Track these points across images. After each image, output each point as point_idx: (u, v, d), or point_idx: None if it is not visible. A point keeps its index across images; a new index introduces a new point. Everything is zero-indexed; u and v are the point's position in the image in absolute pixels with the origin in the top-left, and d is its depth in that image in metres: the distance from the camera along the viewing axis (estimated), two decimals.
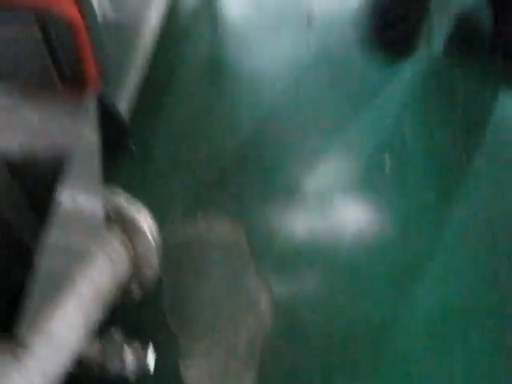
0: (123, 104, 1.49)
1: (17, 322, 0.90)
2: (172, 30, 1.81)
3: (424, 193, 1.59)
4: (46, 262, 0.92)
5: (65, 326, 1.01)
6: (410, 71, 1.84)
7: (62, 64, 0.86)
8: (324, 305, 1.35)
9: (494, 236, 1.51)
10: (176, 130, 1.65)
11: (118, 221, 1.24)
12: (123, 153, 1.53)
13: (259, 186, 1.51)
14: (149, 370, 1.29)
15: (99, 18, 0.88)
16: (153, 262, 1.31)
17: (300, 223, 1.47)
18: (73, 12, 0.74)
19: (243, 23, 1.92)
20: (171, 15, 1.81)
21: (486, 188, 1.62)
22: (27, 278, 0.89)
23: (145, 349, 1.29)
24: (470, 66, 1.87)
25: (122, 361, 1.25)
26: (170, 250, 1.37)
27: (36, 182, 1.07)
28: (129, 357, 1.26)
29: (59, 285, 0.99)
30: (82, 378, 1.21)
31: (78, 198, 1.02)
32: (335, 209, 1.52)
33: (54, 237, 0.95)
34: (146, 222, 1.29)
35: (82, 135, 0.97)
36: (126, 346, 1.28)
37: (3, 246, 1.07)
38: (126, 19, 1.41)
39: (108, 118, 1.35)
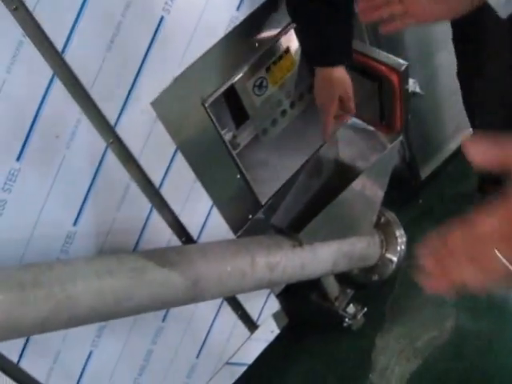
0: (426, 168, 2.26)
1: (303, 230, 1.70)
2: None
3: None
4: (337, 207, 1.71)
5: (323, 252, 1.80)
6: None
7: (383, 110, 1.67)
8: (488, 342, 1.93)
9: None
10: None
11: (383, 226, 2.00)
12: (410, 203, 2.31)
13: None
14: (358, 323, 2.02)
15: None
16: (392, 267, 2.03)
17: None
18: (396, 82, 1.56)
19: None
20: None
21: None
22: (320, 209, 1.69)
23: (360, 312, 2.03)
24: None
25: (344, 308, 2.01)
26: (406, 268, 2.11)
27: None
28: (350, 309, 2.01)
29: (334, 230, 1.79)
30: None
31: (369, 187, 1.80)
32: None
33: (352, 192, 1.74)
34: (401, 240, 2.02)
35: (384, 155, 1.75)
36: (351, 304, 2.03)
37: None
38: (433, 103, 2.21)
39: (406, 167, 2.13)
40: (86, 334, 1.56)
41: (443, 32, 2.05)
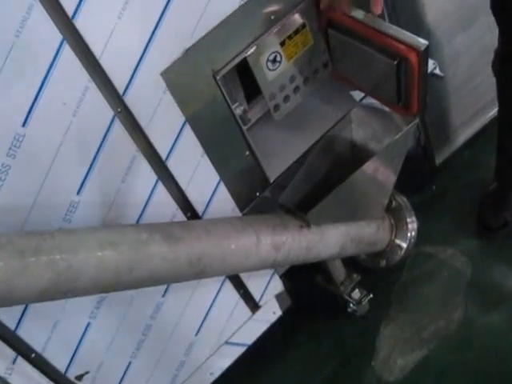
0: (441, 153, 2.28)
1: (311, 211, 1.73)
2: None
3: None
4: (348, 189, 1.74)
5: (330, 235, 1.83)
6: None
7: (400, 91, 1.69)
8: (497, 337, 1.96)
9: None
10: None
11: (394, 211, 2.03)
12: (423, 189, 2.35)
13: None
14: (362, 309, 2.05)
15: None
16: (401, 253, 2.06)
17: None
18: (415, 62, 1.57)
19: None
20: None
21: None
22: (330, 190, 1.72)
23: (365, 297, 2.06)
24: None
25: (349, 293, 2.04)
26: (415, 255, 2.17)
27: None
28: (355, 294, 2.05)
29: (343, 213, 1.82)
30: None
31: (382, 170, 1.82)
32: None
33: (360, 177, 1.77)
34: (412, 226, 2.05)
35: (399, 138, 1.78)
36: (357, 289, 2.07)
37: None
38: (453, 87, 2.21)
39: (420, 151, 2.15)
40: (85, 304, 1.60)
41: (466, 11, 2.07)
